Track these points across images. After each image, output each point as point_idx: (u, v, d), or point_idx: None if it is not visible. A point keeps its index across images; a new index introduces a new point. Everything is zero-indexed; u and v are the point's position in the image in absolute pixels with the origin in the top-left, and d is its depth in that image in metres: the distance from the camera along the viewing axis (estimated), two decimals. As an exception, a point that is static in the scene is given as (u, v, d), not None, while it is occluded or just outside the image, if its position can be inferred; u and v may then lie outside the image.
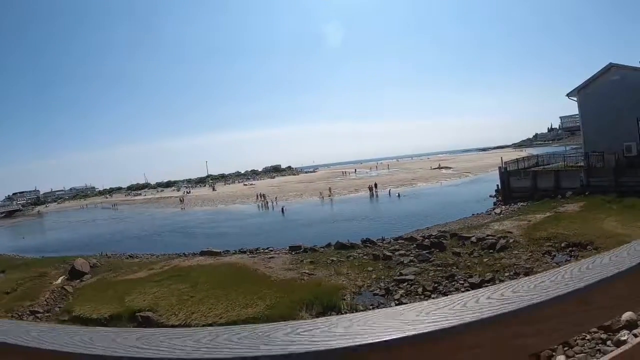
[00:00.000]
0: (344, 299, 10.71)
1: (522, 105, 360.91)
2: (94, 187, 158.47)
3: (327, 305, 10.34)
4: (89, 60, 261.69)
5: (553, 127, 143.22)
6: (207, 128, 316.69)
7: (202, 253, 20.08)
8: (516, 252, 12.91)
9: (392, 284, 11.41)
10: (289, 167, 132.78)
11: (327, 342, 0.61)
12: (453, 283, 10.91)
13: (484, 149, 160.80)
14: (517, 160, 31.47)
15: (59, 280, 17.09)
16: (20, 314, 13.21)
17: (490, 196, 28.78)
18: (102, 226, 47.65)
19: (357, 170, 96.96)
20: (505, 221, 18.04)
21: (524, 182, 25.11)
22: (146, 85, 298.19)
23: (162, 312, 11.35)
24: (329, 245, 18.15)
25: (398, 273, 12.14)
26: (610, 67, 22.24)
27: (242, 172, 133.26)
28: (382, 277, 12.17)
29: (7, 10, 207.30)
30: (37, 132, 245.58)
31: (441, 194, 39.67)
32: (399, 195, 40.52)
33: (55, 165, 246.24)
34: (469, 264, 12.45)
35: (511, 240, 13.88)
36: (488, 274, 11.13)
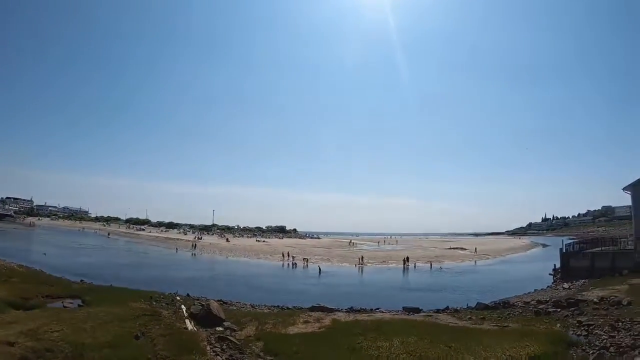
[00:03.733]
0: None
1: (505, 195, 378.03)
2: (87, 211, 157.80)
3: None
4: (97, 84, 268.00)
5: (547, 217, 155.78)
6: (205, 178, 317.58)
7: (313, 308, 19.86)
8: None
9: (582, 328, 14.22)
10: (294, 230, 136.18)
11: None
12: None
13: (476, 234, 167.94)
14: (572, 244, 36.01)
15: (190, 325, 14.52)
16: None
17: (549, 274, 32.94)
18: (126, 257, 48.70)
19: (352, 242, 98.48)
20: (593, 290, 21.37)
21: (582, 262, 29.26)
22: (159, 124, 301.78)
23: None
24: (468, 307, 20.83)
25: (577, 322, 15.01)
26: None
27: (242, 226, 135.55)
28: (567, 325, 14.86)
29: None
30: (41, 143, 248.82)
31: (483, 271, 42.83)
32: (441, 268, 43.94)
33: (50, 180, 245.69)
34: (618, 313, 15.62)
35: (628, 299, 17.47)
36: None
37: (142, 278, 29.96)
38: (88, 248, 55.91)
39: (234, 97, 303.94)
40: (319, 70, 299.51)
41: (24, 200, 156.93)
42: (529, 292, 26.82)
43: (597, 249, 32.53)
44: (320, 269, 41.82)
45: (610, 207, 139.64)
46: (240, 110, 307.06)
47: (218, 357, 11.63)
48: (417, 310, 20.37)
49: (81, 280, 25.02)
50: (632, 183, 29.88)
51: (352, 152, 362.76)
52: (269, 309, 21.11)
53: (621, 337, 12.77)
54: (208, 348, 12.12)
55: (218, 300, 20.92)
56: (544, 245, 76.89)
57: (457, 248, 73.71)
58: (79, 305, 17.00)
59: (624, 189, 30.29)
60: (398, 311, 20.73)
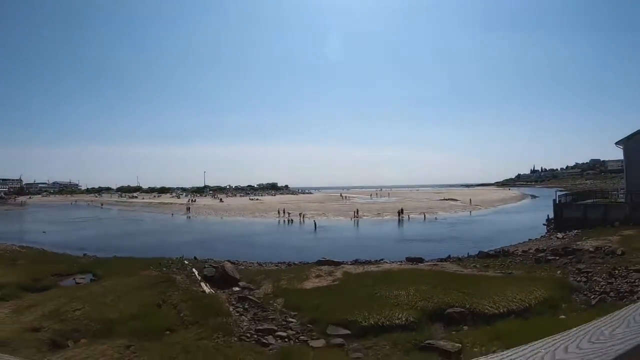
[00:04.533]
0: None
1: (494, 147, 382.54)
2: (77, 184, 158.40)
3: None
4: (75, 53, 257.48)
5: (535, 168, 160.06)
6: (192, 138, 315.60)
7: (320, 262, 20.33)
8: (635, 254, 17.19)
9: (582, 275, 15.39)
10: (286, 187, 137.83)
11: None
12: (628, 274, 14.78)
13: (467, 186, 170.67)
14: (565, 195, 37.28)
15: (206, 288, 14.70)
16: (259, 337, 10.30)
17: (543, 224, 34.39)
18: (122, 226, 48.45)
19: (345, 195, 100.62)
20: (587, 240, 22.19)
21: (575, 213, 30.48)
22: (143, 89, 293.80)
23: (474, 306, 11.34)
24: (469, 255, 21.99)
25: (576, 269, 16.23)
26: (655, 126, 28.91)
27: (234, 186, 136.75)
28: (567, 272, 16.03)
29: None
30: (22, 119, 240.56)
31: (477, 222, 44.38)
32: (436, 219, 45.58)
33: (38, 156, 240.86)
34: (614, 262, 16.62)
35: (622, 249, 18.47)
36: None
37: (143, 246, 29.96)
38: (84, 221, 55.05)
39: (209, 55, 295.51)
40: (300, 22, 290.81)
41: (13, 180, 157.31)
42: (524, 242, 27.95)
43: (589, 200, 33.74)
44: (315, 223, 43.05)
45: (598, 160, 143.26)
46: (219, 67, 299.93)
47: (243, 316, 12.12)
48: (420, 260, 21.14)
49: (84, 254, 24.96)
50: (624, 138, 30.72)
51: (340, 107, 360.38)
52: (276, 265, 21.65)
53: (619, 284, 13.88)
54: (231, 309, 12.58)
55: (226, 260, 20.95)
56: (533, 197, 79.05)
57: (449, 199, 75.01)
58: (91, 280, 16.95)
59: (616, 143, 31.17)
60: (401, 261, 21.38)
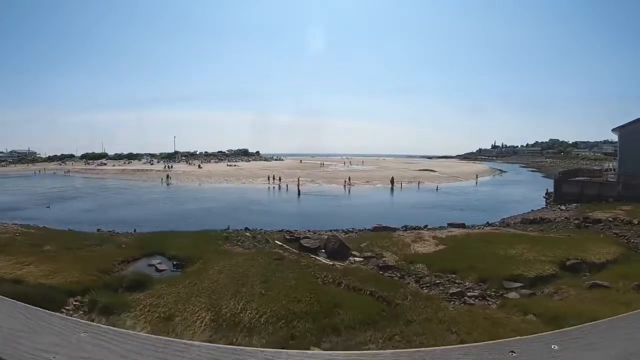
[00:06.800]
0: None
1: (449, 120, 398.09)
2: (35, 152, 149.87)
3: None
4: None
5: (496, 144, 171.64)
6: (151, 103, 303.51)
7: (377, 228, 23.00)
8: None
9: (621, 238, 19.68)
10: (257, 153, 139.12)
11: None
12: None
13: (429, 157, 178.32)
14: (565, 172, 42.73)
15: (325, 261, 14.49)
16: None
17: (543, 197, 39.36)
18: (114, 196, 46.03)
19: (323, 162, 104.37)
20: (596, 212, 26.32)
21: (574, 188, 35.59)
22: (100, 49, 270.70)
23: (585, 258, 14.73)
24: (503, 221, 26.78)
25: (614, 234, 20.49)
26: (647, 117, 34.67)
27: (200, 152, 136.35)
28: (607, 235, 20.32)
29: None
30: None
31: (474, 192, 48.92)
32: (437, 189, 49.53)
33: None
34: (637, 229, 21.21)
35: (637, 220, 22.99)
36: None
37: (157, 217, 29.45)
38: (63, 192, 49.71)
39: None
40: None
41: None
42: (528, 212, 32.02)
43: (585, 178, 39.15)
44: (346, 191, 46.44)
45: (557, 140, 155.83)
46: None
47: (412, 285, 12.53)
48: (463, 226, 24.24)
49: (98, 230, 22.77)
50: (620, 125, 36.20)
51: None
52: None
53: (656, 244, 18.65)
54: (396, 279, 12.97)
55: (280, 230, 21.75)
56: (502, 171, 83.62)
57: (427, 170, 78.75)
58: (175, 265, 14.52)
59: (612, 130, 36.93)
60: (443, 227, 24.14)
